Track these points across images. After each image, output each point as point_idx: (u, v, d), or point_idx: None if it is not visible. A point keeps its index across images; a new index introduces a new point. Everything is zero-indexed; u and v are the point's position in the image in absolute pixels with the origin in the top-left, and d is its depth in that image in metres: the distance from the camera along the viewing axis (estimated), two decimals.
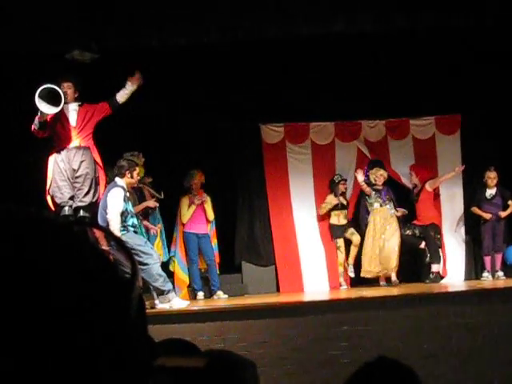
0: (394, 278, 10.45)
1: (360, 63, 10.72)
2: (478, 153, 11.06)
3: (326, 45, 10.15)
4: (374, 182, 10.79)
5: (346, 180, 11.05)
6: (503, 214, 10.65)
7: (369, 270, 10.60)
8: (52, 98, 7.53)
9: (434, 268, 10.49)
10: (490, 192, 10.77)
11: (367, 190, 10.76)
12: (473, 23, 9.05)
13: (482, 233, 10.85)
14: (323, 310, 6.80)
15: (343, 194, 11.07)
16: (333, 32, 8.87)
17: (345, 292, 10.46)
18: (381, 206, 10.69)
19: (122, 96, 8.22)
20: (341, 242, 10.94)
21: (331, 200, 10.97)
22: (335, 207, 10.97)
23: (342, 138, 11.31)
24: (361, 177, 10.67)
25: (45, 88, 7.48)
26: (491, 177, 10.71)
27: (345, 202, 11.01)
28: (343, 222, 10.96)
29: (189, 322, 6.54)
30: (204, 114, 10.57)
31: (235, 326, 6.55)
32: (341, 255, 10.96)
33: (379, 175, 10.79)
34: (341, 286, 10.91)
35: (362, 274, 10.74)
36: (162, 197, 9.86)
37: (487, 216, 10.64)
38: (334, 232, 11.01)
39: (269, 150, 11.27)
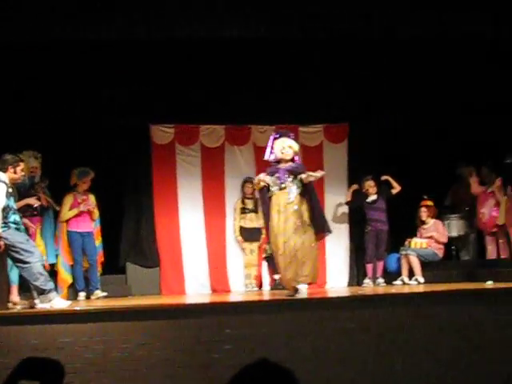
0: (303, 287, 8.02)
1: (253, 69, 10.81)
2: (361, 161, 11.35)
3: (220, 48, 10.19)
4: (280, 154, 8.31)
5: (251, 182, 10.66)
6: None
7: (285, 276, 8.11)
8: None
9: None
10: (372, 198, 11.08)
11: (265, 180, 8.28)
12: (365, 32, 9.28)
13: (365, 241, 11.12)
14: (206, 313, 6.79)
15: (252, 197, 11.04)
16: (227, 36, 8.90)
17: (228, 296, 10.48)
18: (280, 189, 8.18)
19: None
20: (246, 245, 10.95)
21: (237, 204, 11.02)
22: (242, 211, 10.99)
23: (231, 142, 11.34)
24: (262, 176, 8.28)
25: None
26: (371, 185, 11.06)
27: (250, 206, 11.01)
28: (252, 225, 10.92)
29: (69, 323, 6.40)
30: (93, 112, 10.42)
31: (117, 327, 6.45)
32: (245, 257, 10.97)
33: (287, 147, 8.33)
34: (246, 287, 10.91)
35: (278, 280, 9.04)
36: (58, 209, 9.69)
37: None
38: (242, 235, 11.02)
39: (158, 150, 11.19)
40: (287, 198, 8.08)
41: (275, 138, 8.48)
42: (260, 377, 2.01)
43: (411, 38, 9.48)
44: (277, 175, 8.19)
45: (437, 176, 11.08)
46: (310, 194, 8.28)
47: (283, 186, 8.13)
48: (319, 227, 8.35)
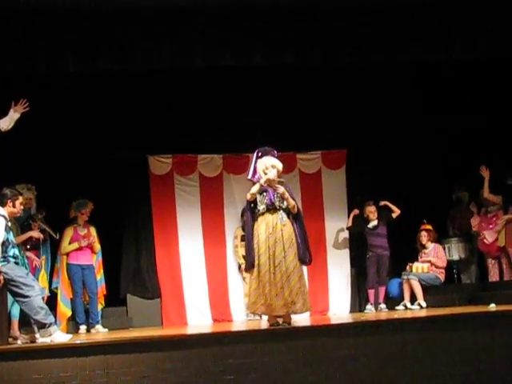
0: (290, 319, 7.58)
1: (250, 97, 10.86)
2: (360, 186, 11.37)
3: (216, 77, 10.23)
4: (263, 175, 7.67)
5: None
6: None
7: (253, 306, 7.58)
8: None
9: None
10: (373, 224, 11.07)
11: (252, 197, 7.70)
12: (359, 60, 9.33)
13: (366, 266, 11.08)
14: (208, 343, 6.74)
15: None
16: (222, 64, 8.95)
17: (229, 325, 10.39)
18: (268, 209, 7.62)
19: (4, 123, 7.96)
20: (246, 274, 10.87)
21: (238, 232, 10.97)
22: (243, 238, 10.93)
23: (229, 171, 11.33)
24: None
25: None
26: (371, 211, 11.07)
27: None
28: None
29: (70, 356, 6.35)
30: (92, 144, 10.43)
31: (119, 360, 6.41)
32: (246, 286, 10.76)
33: (270, 166, 7.68)
34: (247, 316, 10.77)
35: (248, 311, 8.15)
36: (58, 237, 9.64)
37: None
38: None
39: (156, 181, 11.18)
40: (279, 219, 7.56)
41: (258, 157, 7.84)
42: None
43: (408, 61, 9.53)
44: (264, 194, 7.65)
45: (435, 200, 11.08)
46: (297, 221, 7.78)
47: (272, 207, 7.61)
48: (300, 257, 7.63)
